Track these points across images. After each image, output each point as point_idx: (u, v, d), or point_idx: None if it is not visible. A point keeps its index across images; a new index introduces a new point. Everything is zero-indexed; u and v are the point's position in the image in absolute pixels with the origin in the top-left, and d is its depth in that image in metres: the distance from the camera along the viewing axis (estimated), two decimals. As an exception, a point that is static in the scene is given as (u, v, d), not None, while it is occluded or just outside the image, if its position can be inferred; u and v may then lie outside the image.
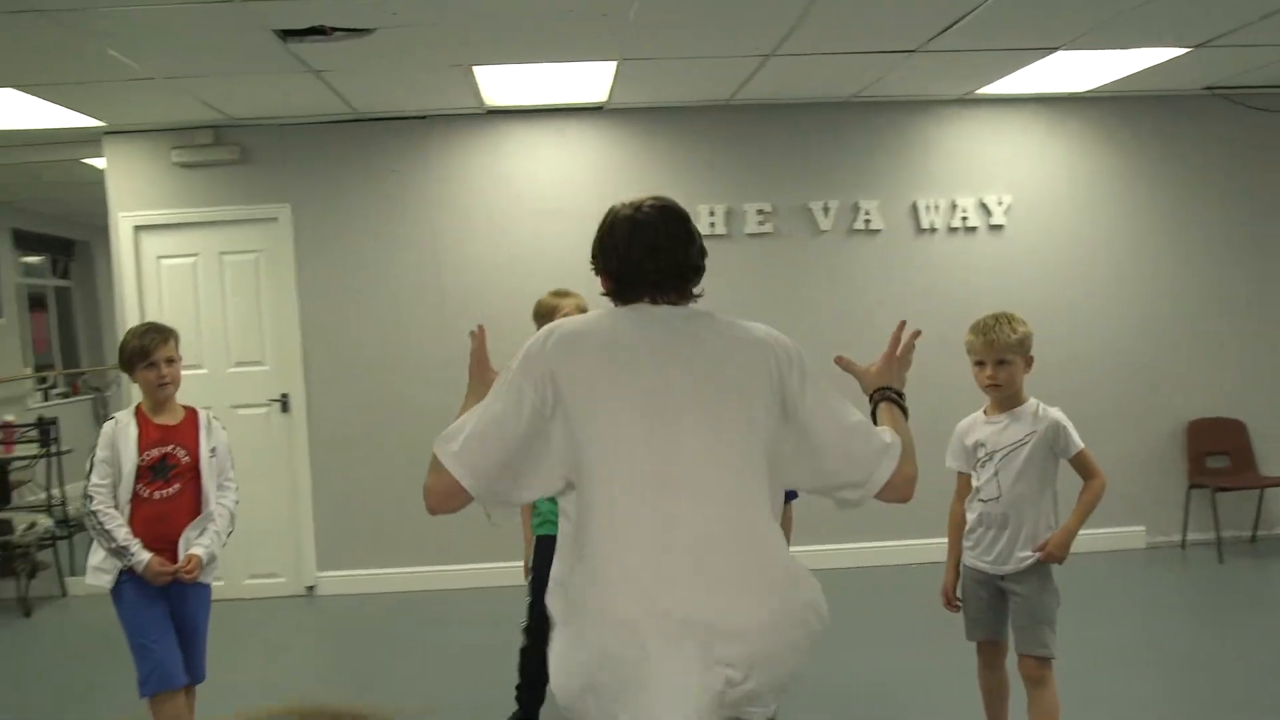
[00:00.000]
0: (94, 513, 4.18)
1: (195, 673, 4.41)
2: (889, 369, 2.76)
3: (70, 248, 12.64)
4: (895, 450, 2.51)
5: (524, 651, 4.73)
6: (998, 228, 7.72)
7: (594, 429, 2.36)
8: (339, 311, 7.52)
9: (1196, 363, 7.89)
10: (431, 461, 2.41)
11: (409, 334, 7.50)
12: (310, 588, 7.65)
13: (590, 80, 6.65)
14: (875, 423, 2.65)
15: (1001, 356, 3.94)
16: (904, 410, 2.70)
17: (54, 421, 8.37)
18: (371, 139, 7.47)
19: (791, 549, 4.04)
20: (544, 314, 4.60)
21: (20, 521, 7.60)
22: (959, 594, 4.21)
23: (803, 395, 2.46)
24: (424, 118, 7.42)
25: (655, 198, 2.57)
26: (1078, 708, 4.83)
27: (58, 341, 12.46)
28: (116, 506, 4.20)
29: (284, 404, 7.57)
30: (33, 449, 8.38)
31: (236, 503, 4.48)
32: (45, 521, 7.72)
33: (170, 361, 4.28)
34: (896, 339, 2.78)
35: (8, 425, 8.71)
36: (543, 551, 4.75)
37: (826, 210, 7.60)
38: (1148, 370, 7.85)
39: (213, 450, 4.38)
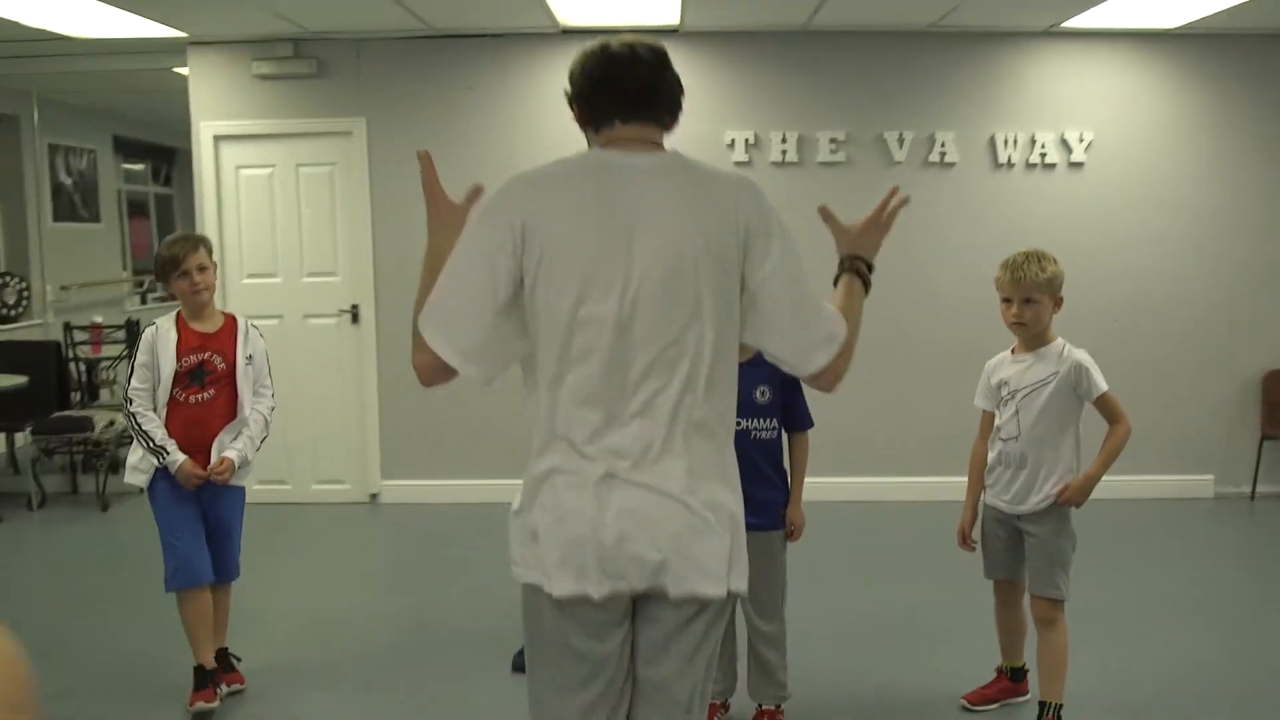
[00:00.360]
0: (133, 414, 4.36)
1: (226, 571, 4.58)
2: (869, 233, 2.63)
3: (172, 155, 12.93)
4: (836, 344, 2.41)
5: None
6: (1078, 165, 7.54)
7: (556, 318, 2.31)
8: (410, 226, 7.52)
9: (1277, 313, 7.67)
10: (415, 337, 2.35)
11: (477, 252, 7.58)
12: (374, 495, 7.85)
13: (662, 1, 6.60)
14: (835, 286, 2.57)
15: (1028, 295, 3.88)
16: (867, 285, 2.60)
17: (137, 323, 8.65)
18: (448, 56, 7.52)
19: (808, 480, 4.10)
20: None
21: (101, 419, 7.88)
22: (976, 534, 4.21)
23: (763, 260, 2.36)
24: (501, 36, 7.44)
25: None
26: (1103, 648, 4.82)
27: (158, 247, 12.74)
28: (155, 410, 4.37)
29: (354, 315, 7.72)
30: (119, 350, 8.67)
31: (272, 409, 4.61)
32: (123, 419, 7.99)
33: (202, 269, 4.39)
34: (885, 203, 2.64)
35: (95, 326, 9.01)
36: None
37: (901, 141, 7.49)
38: (1226, 318, 7.65)
39: (249, 357, 4.51)
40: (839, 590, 5.82)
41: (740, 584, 2.42)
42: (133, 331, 8.77)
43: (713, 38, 7.40)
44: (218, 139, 7.68)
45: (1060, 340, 3.99)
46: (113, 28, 7.14)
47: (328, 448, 7.73)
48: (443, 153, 7.56)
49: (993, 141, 7.52)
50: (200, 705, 4.40)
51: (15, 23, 6.99)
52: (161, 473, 4.36)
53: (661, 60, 2.44)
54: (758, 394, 3.91)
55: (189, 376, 4.39)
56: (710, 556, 2.35)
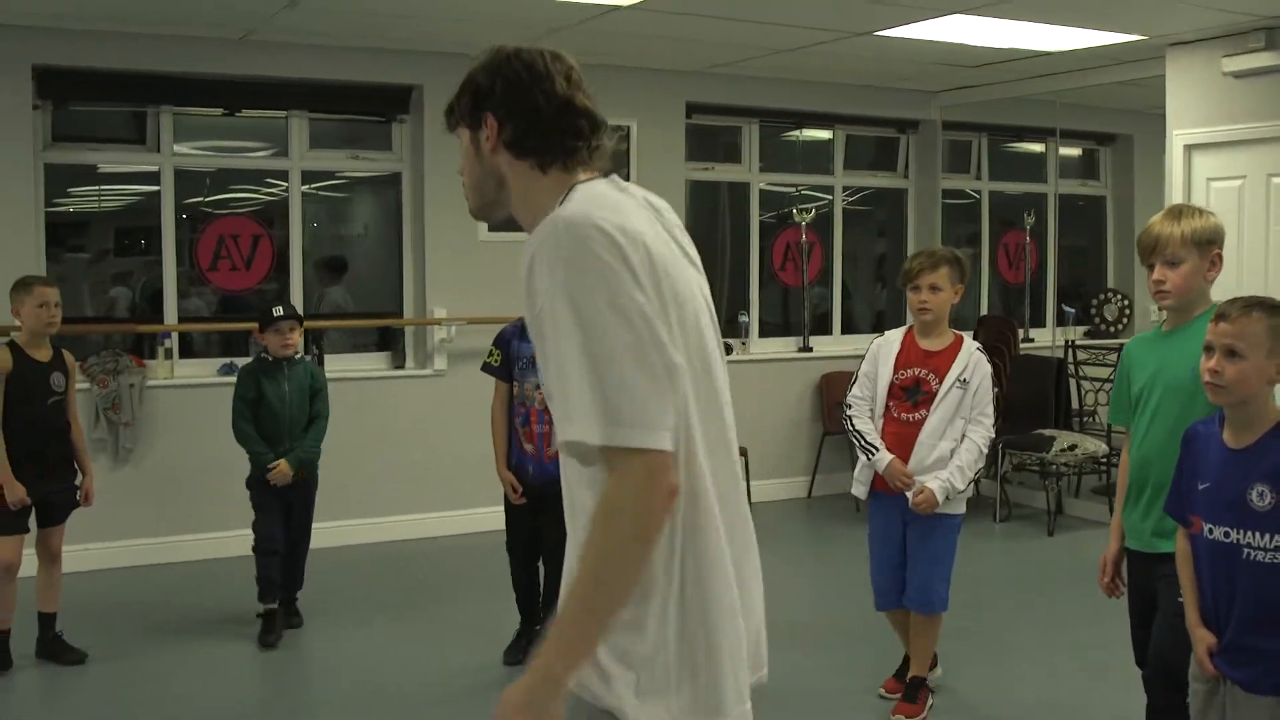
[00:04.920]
0: (848, 417, 4.45)
1: (914, 596, 4.43)
2: None
3: (1110, 140, 10.36)
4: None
5: None
6: None
7: None
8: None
9: None
10: None
11: None
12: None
13: None
14: None
15: None
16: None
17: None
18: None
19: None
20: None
21: (1063, 441, 7.62)
22: None
23: None
24: None
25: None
26: None
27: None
28: (872, 419, 4.39)
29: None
30: (1106, 372, 8.37)
31: (988, 440, 4.34)
32: (1091, 446, 7.63)
33: (934, 289, 4.30)
34: None
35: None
36: None
37: None
38: None
39: (963, 381, 4.31)
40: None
41: None
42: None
43: None
44: (1188, 148, 7.03)
45: None
46: (1073, 40, 6.97)
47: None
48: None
49: None
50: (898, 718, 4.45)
51: (986, 48, 7.17)
52: (872, 498, 4.45)
53: None
54: (1253, 495, 2.69)
55: (904, 392, 4.35)
56: None
